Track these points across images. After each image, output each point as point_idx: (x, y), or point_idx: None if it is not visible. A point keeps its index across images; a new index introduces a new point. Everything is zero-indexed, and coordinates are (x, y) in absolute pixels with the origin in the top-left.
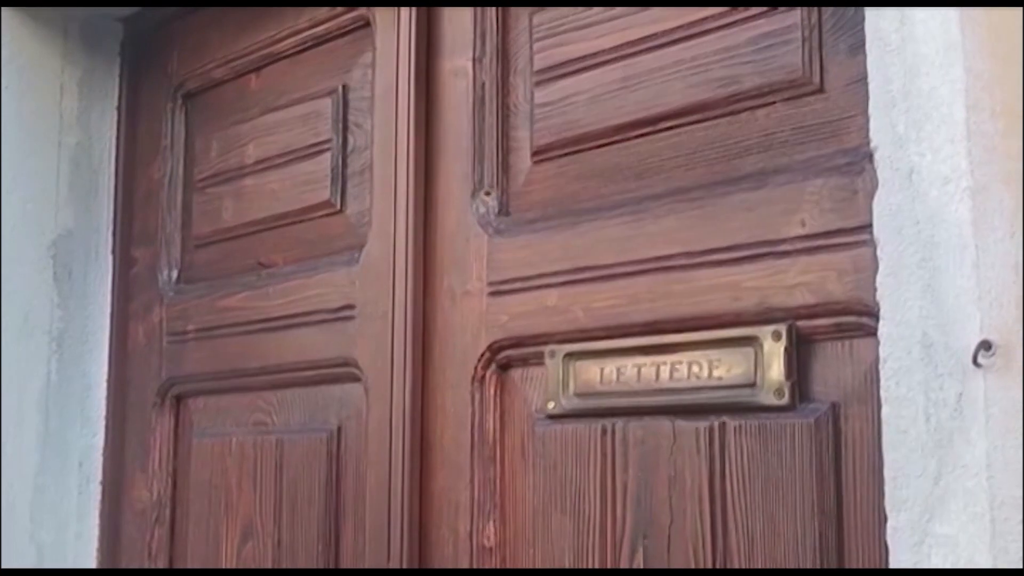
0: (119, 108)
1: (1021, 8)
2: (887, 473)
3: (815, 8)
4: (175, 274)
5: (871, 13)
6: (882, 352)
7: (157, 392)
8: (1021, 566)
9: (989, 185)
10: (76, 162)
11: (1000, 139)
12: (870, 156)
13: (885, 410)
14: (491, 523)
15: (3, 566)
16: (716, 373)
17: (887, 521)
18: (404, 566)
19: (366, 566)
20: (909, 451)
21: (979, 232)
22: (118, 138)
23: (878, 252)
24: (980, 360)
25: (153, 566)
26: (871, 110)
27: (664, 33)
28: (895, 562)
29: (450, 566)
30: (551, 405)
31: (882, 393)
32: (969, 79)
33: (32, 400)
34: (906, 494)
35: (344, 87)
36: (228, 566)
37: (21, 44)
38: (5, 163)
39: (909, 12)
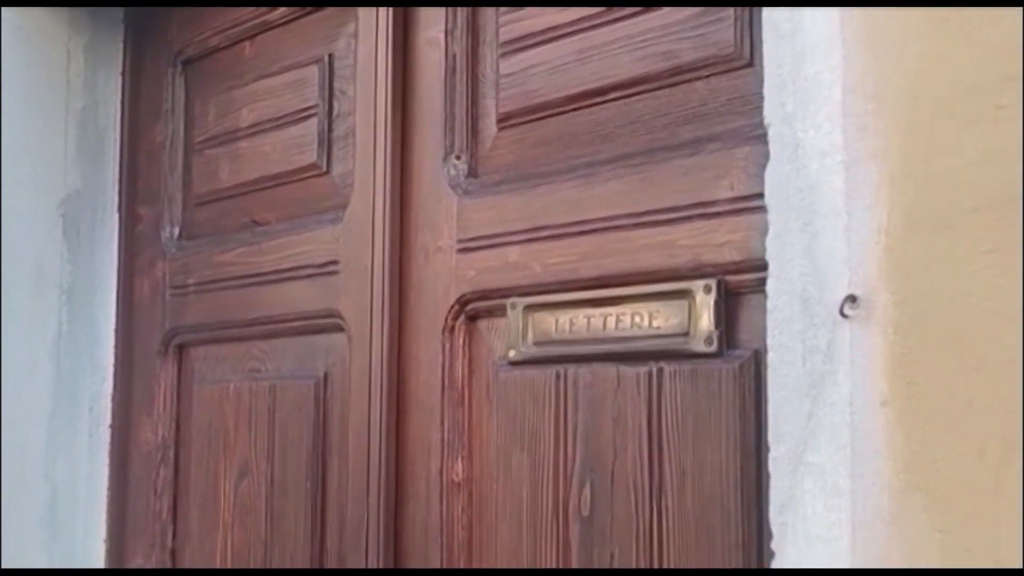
0: (123, 74)
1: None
2: (770, 410)
3: None
4: (176, 231)
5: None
6: (769, 305)
7: (161, 342)
8: (877, 490)
9: (859, 159)
10: (83, 125)
11: (870, 119)
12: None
13: (770, 356)
14: (459, 460)
15: (20, 503)
16: (655, 323)
17: (770, 451)
18: (382, 499)
19: (349, 503)
20: (788, 391)
21: (850, 201)
22: (122, 102)
23: (769, 217)
24: (846, 312)
25: (159, 504)
26: (765, 91)
27: (614, 10)
28: (775, 487)
29: (423, 500)
30: (512, 353)
31: (768, 341)
32: (846, 66)
33: (45, 349)
34: (785, 429)
35: (330, 56)
36: (226, 502)
37: (30, 14)
38: (16, 127)
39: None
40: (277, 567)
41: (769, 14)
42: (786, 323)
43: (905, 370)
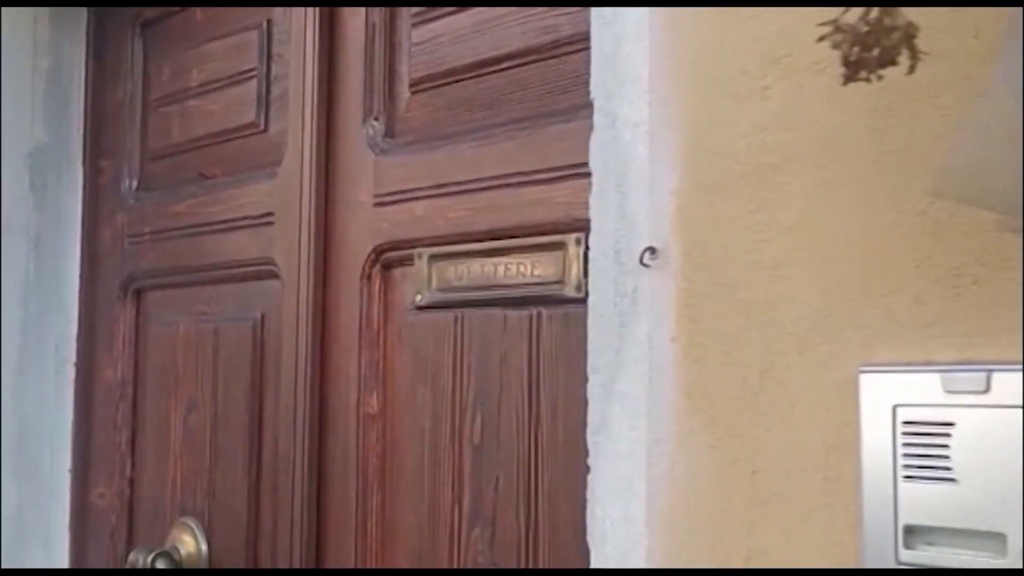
0: (87, 35)
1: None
2: (589, 345)
3: None
4: (135, 183)
5: None
6: (591, 255)
7: (120, 286)
8: (666, 413)
9: (660, 131)
10: (49, 83)
11: (668, 95)
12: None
13: (591, 299)
14: (374, 395)
15: None
16: (536, 272)
17: (588, 381)
18: (307, 431)
19: (280, 434)
20: (602, 330)
21: (652, 166)
22: (86, 63)
23: (592, 180)
24: (646, 261)
25: (119, 436)
26: (592, 69)
27: None
28: (591, 412)
29: (342, 431)
30: (419, 298)
31: (589, 286)
32: (652, 49)
33: (14, 293)
34: (599, 361)
35: (268, 21)
36: (176, 435)
37: None
38: None
39: None
40: (220, 493)
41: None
42: (602, 271)
43: (689, 311)
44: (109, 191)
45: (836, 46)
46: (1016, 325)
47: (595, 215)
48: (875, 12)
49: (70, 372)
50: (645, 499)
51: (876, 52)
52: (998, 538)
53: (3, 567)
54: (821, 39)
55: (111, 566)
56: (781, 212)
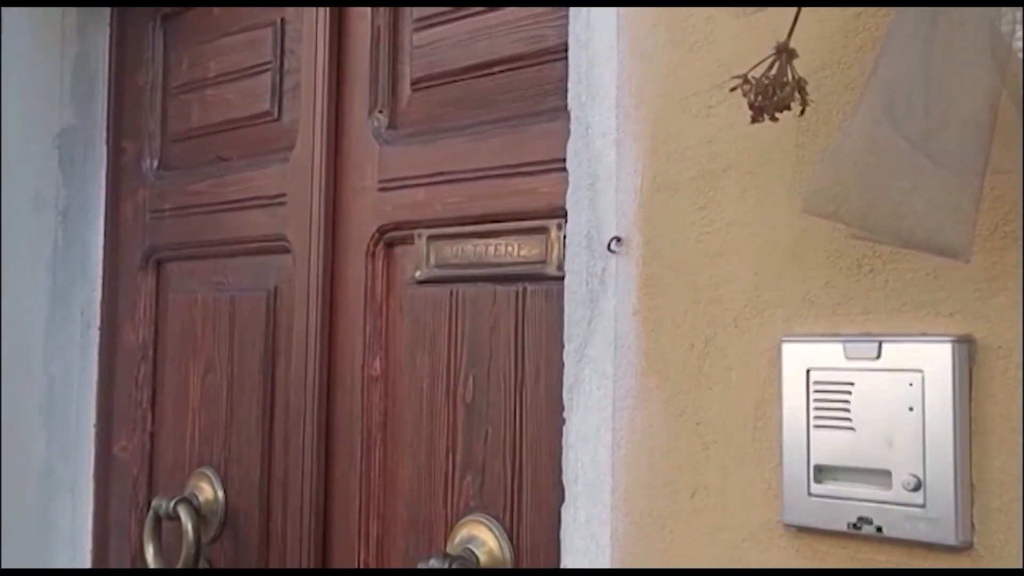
0: (111, 26)
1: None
2: (565, 318)
3: None
4: (156, 163)
5: (572, 15)
6: (567, 242)
7: (142, 257)
8: (628, 374)
9: (625, 139)
10: (76, 70)
11: (632, 110)
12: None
13: (566, 279)
14: (377, 359)
15: (22, 393)
16: (522, 253)
17: (564, 347)
18: (317, 390)
19: (291, 393)
20: (576, 304)
21: (619, 168)
22: (110, 51)
23: (569, 178)
24: (613, 248)
25: (140, 394)
26: (569, 84)
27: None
28: (566, 373)
29: (348, 392)
30: (418, 273)
31: (565, 268)
32: (619, 69)
33: (43, 263)
34: (574, 331)
35: (282, 20)
36: (194, 393)
37: None
38: (17, 71)
39: (594, 16)
40: (235, 446)
41: (573, 24)
42: (576, 255)
43: (648, 290)
44: (131, 170)
45: (744, 95)
46: (902, 305)
47: (571, 208)
48: (774, 69)
49: (95, 335)
50: (610, 445)
51: (774, 100)
52: (885, 474)
53: (4, 565)
54: (733, 89)
55: (133, 513)
56: (722, 210)
